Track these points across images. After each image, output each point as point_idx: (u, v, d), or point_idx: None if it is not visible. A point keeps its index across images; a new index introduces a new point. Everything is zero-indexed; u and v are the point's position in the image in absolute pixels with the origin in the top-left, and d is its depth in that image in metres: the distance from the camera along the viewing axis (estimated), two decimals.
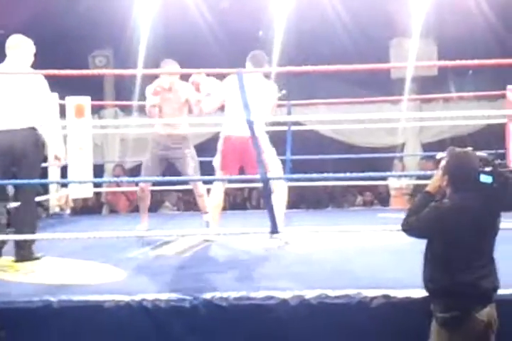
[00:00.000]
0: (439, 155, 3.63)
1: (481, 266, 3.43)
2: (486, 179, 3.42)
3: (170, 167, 6.43)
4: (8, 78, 4.96)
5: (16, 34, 5.14)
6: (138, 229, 6.25)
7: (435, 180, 3.60)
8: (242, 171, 5.83)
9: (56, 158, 5.10)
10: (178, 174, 6.29)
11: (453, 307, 3.41)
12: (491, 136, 9.04)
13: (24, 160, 4.92)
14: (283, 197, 5.67)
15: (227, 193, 10.72)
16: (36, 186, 5.07)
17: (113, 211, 10.25)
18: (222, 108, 5.92)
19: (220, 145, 5.78)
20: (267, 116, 5.75)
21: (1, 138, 4.93)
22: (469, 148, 3.59)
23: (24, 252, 4.94)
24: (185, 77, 6.19)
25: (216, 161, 5.79)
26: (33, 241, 4.98)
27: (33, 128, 4.94)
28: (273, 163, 5.65)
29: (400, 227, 3.63)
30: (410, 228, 3.57)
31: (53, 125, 5.02)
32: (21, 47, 5.07)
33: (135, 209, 10.04)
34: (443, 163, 3.56)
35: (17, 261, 4.91)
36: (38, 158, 5.05)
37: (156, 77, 6.37)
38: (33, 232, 4.95)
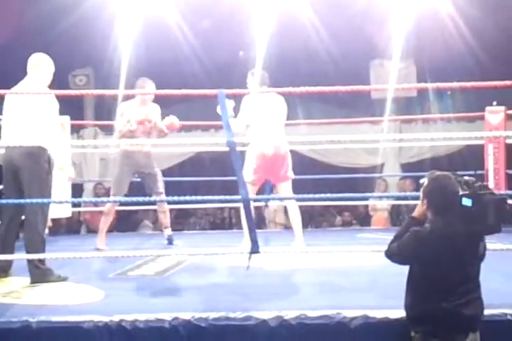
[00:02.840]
0: (423, 179, 3.55)
1: (464, 293, 3.35)
2: (466, 202, 3.36)
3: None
4: (18, 97, 5.05)
5: (38, 53, 5.25)
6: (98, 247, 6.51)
7: (419, 205, 3.53)
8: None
9: (60, 168, 5.24)
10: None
11: (432, 335, 3.35)
12: (469, 156, 9.10)
13: (24, 178, 4.97)
14: (297, 215, 6.06)
15: (209, 213, 10.76)
16: (38, 204, 4.99)
17: (91, 230, 10.19)
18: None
19: (252, 161, 6.04)
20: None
21: (6, 155, 5.06)
22: (449, 171, 3.52)
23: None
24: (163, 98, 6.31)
25: (248, 176, 5.88)
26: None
27: (36, 146, 4.94)
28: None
29: (383, 251, 3.58)
30: (392, 254, 3.50)
31: (57, 141, 5.10)
32: (40, 66, 5.16)
33: (113, 228, 10.02)
34: (423, 186, 3.51)
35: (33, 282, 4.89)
36: (37, 176, 5.00)
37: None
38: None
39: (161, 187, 6.74)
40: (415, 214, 3.55)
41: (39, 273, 4.90)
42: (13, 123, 5.03)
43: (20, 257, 5.07)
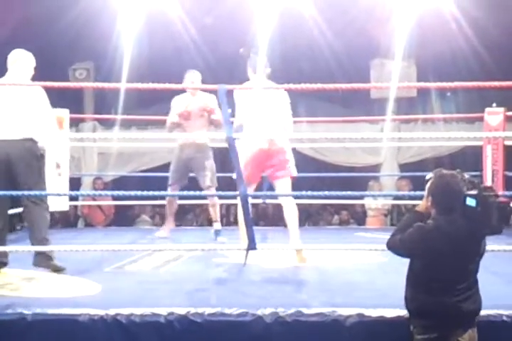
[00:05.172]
0: (429, 175, 3.59)
1: (463, 289, 3.40)
2: (470, 202, 3.39)
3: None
4: (7, 91, 5.09)
5: (17, 49, 5.29)
6: (157, 234, 6.86)
7: (423, 200, 3.58)
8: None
9: (57, 166, 5.22)
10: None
11: (432, 329, 3.39)
12: (467, 157, 9.11)
13: (20, 171, 5.00)
14: (293, 215, 5.57)
15: (206, 209, 10.74)
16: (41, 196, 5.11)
17: (88, 225, 10.21)
18: None
19: (242, 157, 5.45)
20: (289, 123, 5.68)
21: None
22: (457, 170, 3.56)
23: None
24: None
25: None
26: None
27: (30, 139, 5.02)
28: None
29: (385, 246, 3.62)
30: (394, 246, 3.55)
31: (53, 135, 5.19)
32: (20, 61, 5.22)
33: (111, 223, 10.05)
34: (429, 183, 3.54)
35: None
36: (35, 169, 5.07)
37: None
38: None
39: (208, 181, 6.66)
40: (419, 208, 3.60)
41: (43, 257, 4.96)
42: (4, 117, 5.05)
43: (23, 248, 5.08)
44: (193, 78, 6.66)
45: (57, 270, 4.96)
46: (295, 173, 5.70)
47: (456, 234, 3.40)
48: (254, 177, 5.65)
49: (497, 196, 3.51)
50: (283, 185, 5.62)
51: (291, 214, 5.56)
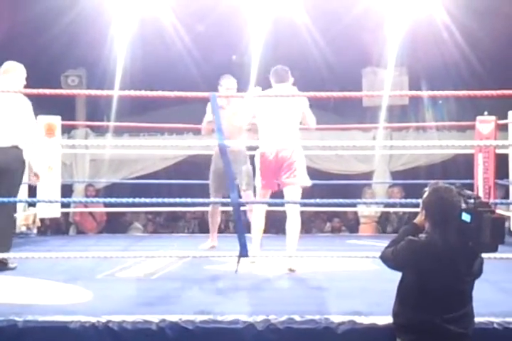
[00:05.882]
0: (425, 188, 3.50)
1: (452, 308, 3.33)
2: (465, 217, 3.30)
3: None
4: None
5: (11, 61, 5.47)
6: (201, 247, 6.55)
7: (419, 214, 3.50)
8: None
9: (35, 175, 5.42)
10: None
11: None
12: (458, 165, 9.14)
13: (5, 177, 5.11)
14: (294, 224, 5.57)
15: (197, 217, 10.74)
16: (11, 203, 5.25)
17: (80, 232, 10.19)
18: None
19: (257, 165, 5.69)
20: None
21: None
22: (456, 184, 3.49)
23: None
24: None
25: (258, 181, 5.71)
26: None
27: (16, 147, 5.19)
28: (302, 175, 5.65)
29: (377, 253, 3.59)
30: (386, 258, 3.50)
31: (36, 144, 5.34)
32: (11, 72, 5.38)
33: (102, 230, 10.04)
34: (424, 196, 3.47)
35: None
36: (18, 176, 5.26)
37: None
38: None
39: (244, 185, 6.48)
40: (416, 220, 3.53)
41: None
42: None
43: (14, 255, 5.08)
44: (228, 85, 6.47)
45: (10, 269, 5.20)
46: (307, 183, 5.68)
47: (447, 250, 3.33)
48: (268, 184, 5.67)
49: (493, 212, 3.39)
50: (289, 193, 5.58)
51: (292, 224, 5.55)
